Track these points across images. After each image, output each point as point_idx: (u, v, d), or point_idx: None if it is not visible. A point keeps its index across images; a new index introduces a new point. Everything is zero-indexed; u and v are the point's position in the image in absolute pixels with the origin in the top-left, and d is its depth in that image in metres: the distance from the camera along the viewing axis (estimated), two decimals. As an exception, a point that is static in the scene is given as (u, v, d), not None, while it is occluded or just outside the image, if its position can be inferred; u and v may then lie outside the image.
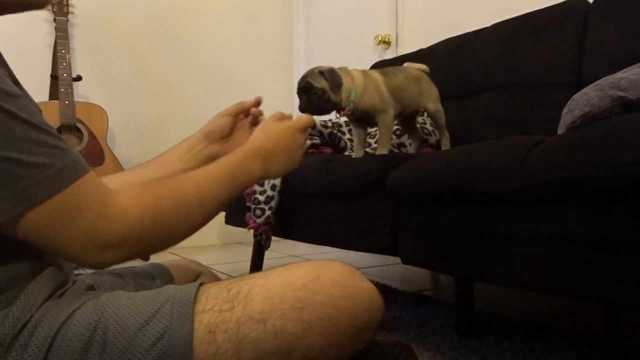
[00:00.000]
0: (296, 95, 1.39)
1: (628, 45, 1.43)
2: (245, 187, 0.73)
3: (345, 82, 1.37)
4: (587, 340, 1.17)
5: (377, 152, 1.44)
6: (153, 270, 0.85)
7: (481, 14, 2.14)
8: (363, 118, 1.45)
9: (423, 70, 1.63)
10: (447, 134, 1.63)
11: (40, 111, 0.56)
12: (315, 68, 1.37)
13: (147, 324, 0.54)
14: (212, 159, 0.82)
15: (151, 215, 0.59)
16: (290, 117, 0.83)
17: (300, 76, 1.40)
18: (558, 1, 1.72)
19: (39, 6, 0.63)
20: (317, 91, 1.33)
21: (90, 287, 0.65)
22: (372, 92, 1.41)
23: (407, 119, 1.63)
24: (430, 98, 1.60)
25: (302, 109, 1.37)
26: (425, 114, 1.77)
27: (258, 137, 0.76)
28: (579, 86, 1.45)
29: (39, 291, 0.56)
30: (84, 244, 0.55)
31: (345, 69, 1.41)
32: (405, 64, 1.67)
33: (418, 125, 1.71)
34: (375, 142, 1.73)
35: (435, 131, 1.74)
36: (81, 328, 0.54)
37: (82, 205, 0.54)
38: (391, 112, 1.44)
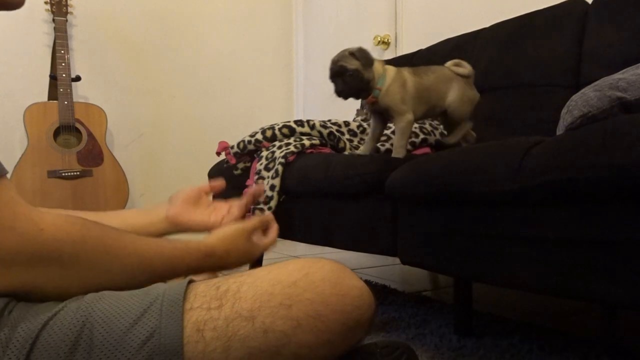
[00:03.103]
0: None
1: (627, 46, 1.44)
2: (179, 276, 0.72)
3: (377, 67, 1.36)
4: (587, 341, 1.17)
5: (393, 156, 1.39)
6: None
7: (480, 15, 2.14)
8: (383, 113, 1.43)
9: (463, 75, 1.50)
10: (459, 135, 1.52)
11: None
12: (345, 50, 1.37)
13: (136, 323, 0.53)
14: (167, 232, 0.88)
15: (71, 248, 0.54)
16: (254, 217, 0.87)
17: (331, 61, 1.39)
18: (557, 2, 1.73)
19: (14, 7, 0.61)
20: (352, 72, 1.33)
21: None
22: (395, 90, 1.38)
23: (446, 119, 1.53)
24: (454, 98, 1.46)
25: (339, 92, 1.37)
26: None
27: (213, 240, 0.77)
28: (578, 87, 1.45)
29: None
30: None
31: (381, 60, 1.39)
32: (448, 63, 1.54)
33: (427, 124, 1.69)
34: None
35: (435, 131, 1.74)
36: (65, 330, 0.52)
37: None
38: (409, 116, 1.39)
